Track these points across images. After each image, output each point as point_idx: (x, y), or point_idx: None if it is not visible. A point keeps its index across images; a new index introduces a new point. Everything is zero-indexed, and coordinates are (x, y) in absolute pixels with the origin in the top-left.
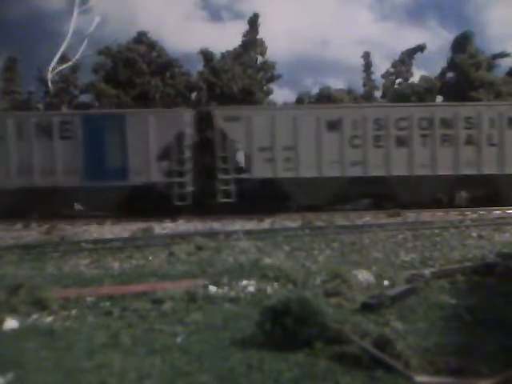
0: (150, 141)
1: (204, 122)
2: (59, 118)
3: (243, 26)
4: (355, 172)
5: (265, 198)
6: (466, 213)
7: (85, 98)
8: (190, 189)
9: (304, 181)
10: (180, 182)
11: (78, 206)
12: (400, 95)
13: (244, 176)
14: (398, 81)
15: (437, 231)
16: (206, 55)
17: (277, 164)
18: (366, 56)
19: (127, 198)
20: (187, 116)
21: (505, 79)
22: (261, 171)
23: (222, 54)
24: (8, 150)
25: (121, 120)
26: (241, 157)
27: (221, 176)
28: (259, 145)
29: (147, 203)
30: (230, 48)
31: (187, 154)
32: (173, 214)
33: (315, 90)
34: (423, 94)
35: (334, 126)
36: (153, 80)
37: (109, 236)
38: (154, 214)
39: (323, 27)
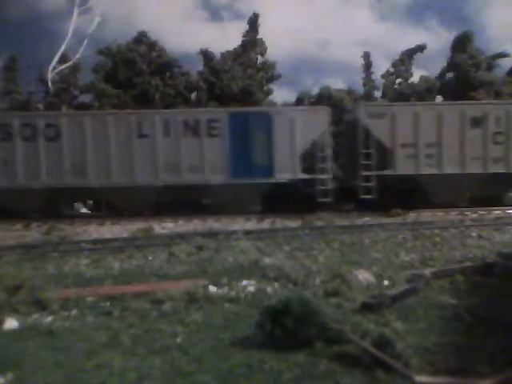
0: (295, 138)
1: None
2: (207, 115)
3: (243, 26)
4: (497, 168)
5: (404, 194)
6: (466, 213)
7: (85, 98)
8: (331, 186)
9: (445, 177)
10: (322, 179)
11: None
12: (400, 95)
13: (387, 172)
14: (398, 81)
15: (437, 231)
16: (206, 55)
17: (419, 160)
18: (366, 56)
19: (271, 194)
20: (329, 113)
21: (505, 79)
22: (403, 168)
23: (222, 54)
24: (155, 147)
25: (267, 117)
26: None
27: (363, 172)
28: (402, 141)
29: (291, 200)
30: (230, 48)
31: (329, 151)
32: (315, 210)
33: (315, 90)
34: (423, 93)
35: (477, 122)
36: (153, 80)
37: (109, 236)
38: (154, 214)
39: (323, 27)
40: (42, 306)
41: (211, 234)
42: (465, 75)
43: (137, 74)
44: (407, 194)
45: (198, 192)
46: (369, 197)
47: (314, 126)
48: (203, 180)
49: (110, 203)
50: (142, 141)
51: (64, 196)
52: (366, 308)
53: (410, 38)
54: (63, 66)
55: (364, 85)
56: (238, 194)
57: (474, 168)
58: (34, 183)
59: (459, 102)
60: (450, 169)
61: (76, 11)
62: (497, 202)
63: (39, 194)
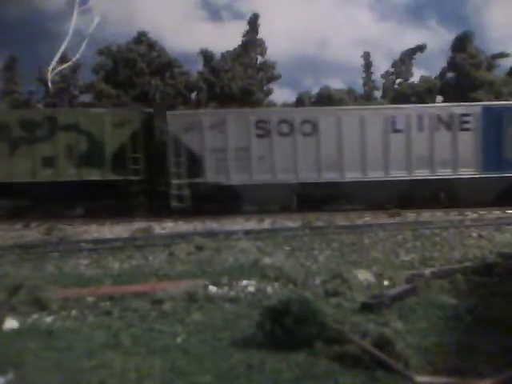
0: None
1: None
2: (460, 110)
3: (243, 26)
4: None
5: None
6: (466, 213)
7: (85, 97)
8: None
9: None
10: None
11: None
12: (400, 95)
13: None
14: (398, 81)
15: (437, 231)
16: (206, 55)
17: None
18: (366, 56)
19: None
20: None
21: (505, 79)
22: None
23: (222, 54)
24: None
25: None
26: None
27: None
28: None
29: None
30: (230, 48)
31: None
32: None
33: (315, 90)
34: (423, 93)
35: None
36: (153, 80)
37: (109, 236)
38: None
39: (323, 27)
40: (41, 306)
41: (211, 234)
42: (465, 75)
43: (137, 74)
44: None
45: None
46: None
47: None
48: (454, 174)
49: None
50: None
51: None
52: (366, 308)
53: (410, 38)
54: (63, 66)
55: (364, 85)
56: (487, 188)
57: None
58: (290, 178)
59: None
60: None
61: (76, 11)
62: None
63: (294, 189)
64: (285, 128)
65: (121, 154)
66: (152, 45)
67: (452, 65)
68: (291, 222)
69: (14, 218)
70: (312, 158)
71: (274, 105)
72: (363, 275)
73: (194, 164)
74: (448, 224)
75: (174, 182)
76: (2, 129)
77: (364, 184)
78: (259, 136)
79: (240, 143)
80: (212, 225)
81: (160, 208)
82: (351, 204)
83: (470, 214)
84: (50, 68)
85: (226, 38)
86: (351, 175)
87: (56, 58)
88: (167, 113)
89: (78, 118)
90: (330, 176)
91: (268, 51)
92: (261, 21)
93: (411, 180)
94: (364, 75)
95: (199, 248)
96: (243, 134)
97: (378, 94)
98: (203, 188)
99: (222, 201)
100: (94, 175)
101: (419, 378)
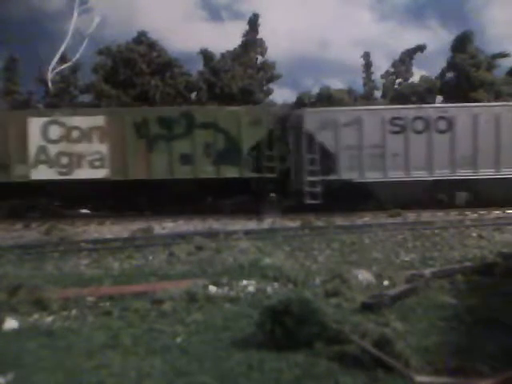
0: None
1: None
2: None
3: (243, 26)
4: None
5: None
6: (466, 213)
7: (85, 97)
8: None
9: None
10: None
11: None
12: (400, 95)
13: None
14: (398, 81)
15: (437, 231)
16: (206, 55)
17: None
18: (366, 56)
19: None
20: None
21: (505, 79)
22: None
23: (222, 54)
24: None
25: None
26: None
27: None
28: None
29: None
30: (230, 48)
31: None
32: None
33: (315, 90)
34: (423, 93)
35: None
36: (153, 80)
37: (109, 236)
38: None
39: (323, 27)
40: (42, 305)
41: (211, 234)
42: (465, 75)
43: (137, 74)
44: None
45: None
46: None
47: None
48: None
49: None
50: None
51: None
52: (366, 308)
53: (410, 38)
54: (63, 66)
55: (364, 85)
56: None
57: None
58: (424, 175)
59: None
60: None
61: (76, 11)
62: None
63: (427, 186)
64: (420, 125)
65: (256, 152)
66: (152, 45)
67: (452, 65)
68: (291, 222)
69: (14, 217)
70: (446, 155)
71: (274, 105)
72: (363, 275)
73: (327, 161)
74: (448, 224)
75: (308, 179)
76: (140, 126)
77: (497, 181)
78: (394, 133)
79: (374, 140)
80: (212, 224)
81: (290, 206)
82: (481, 201)
83: (470, 214)
84: (50, 68)
85: (226, 38)
86: (485, 172)
87: (56, 58)
88: (303, 110)
89: (215, 116)
90: (464, 173)
91: (268, 51)
92: (261, 21)
93: None
94: (364, 75)
95: (199, 248)
96: (378, 131)
97: (378, 94)
98: (335, 185)
99: (352, 198)
100: (232, 173)
101: (419, 378)
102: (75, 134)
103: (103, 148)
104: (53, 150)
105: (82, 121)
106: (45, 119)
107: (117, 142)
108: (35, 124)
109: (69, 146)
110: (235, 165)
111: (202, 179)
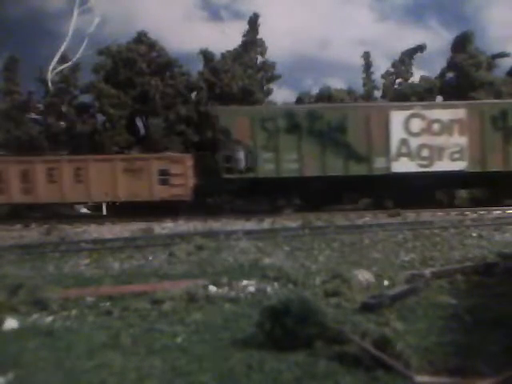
0: None
1: None
2: None
3: (243, 26)
4: None
5: None
6: (466, 213)
7: (85, 98)
8: None
9: None
10: None
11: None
12: (400, 95)
13: None
14: (398, 81)
15: (437, 231)
16: (206, 55)
17: None
18: (366, 56)
19: None
20: None
21: (505, 79)
22: None
23: (222, 54)
24: None
25: None
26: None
27: None
28: None
29: None
30: (230, 48)
31: None
32: None
33: (315, 90)
34: (423, 93)
35: None
36: (153, 80)
37: (109, 236)
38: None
39: (323, 27)
40: (42, 305)
41: (211, 234)
42: (465, 75)
43: (137, 74)
44: None
45: None
46: None
47: None
48: None
49: None
50: None
51: None
52: (366, 308)
53: (410, 37)
54: (63, 66)
55: (364, 85)
56: None
57: None
58: None
59: None
60: None
61: (76, 11)
62: None
63: None
64: None
65: None
66: (152, 45)
67: (452, 65)
68: (291, 222)
69: (15, 218)
70: None
71: (275, 105)
72: (363, 275)
73: None
74: (448, 224)
75: None
76: (497, 118)
77: None
78: None
79: None
80: (212, 225)
81: None
82: None
83: (470, 214)
84: (50, 68)
85: (226, 38)
86: None
87: (56, 58)
88: None
89: None
90: None
91: (268, 51)
92: (261, 21)
93: None
94: (364, 75)
95: (199, 248)
96: None
97: (377, 94)
98: None
99: None
100: None
101: (419, 378)
102: (436, 126)
103: (463, 140)
104: (414, 142)
105: (442, 114)
106: (407, 112)
107: (475, 134)
108: (397, 117)
109: (430, 138)
110: None
111: None
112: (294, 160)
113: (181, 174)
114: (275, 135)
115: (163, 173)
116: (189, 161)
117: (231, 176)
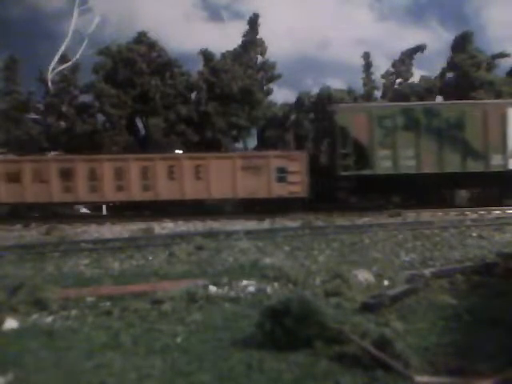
0: None
1: None
2: None
3: (243, 26)
4: None
5: None
6: (466, 213)
7: (85, 98)
8: None
9: None
10: None
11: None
12: (400, 95)
13: None
14: (398, 81)
15: (437, 231)
16: (206, 55)
17: None
18: (366, 56)
19: None
20: None
21: (505, 79)
22: None
23: (222, 54)
24: None
25: None
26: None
27: None
28: None
29: None
30: (230, 48)
31: None
32: None
33: (315, 90)
34: (423, 93)
35: None
36: (153, 80)
37: (109, 236)
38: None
39: (323, 27)
40: (42, 305)
41: (211, 234)
42: (465, 75)
43: (137, 74)
44: None
45: None
46: None
47: None
48: None
49: None
50: None
51: None
52: (366, 308)
53: (410, 37)
54: (63, 66)
55: (364, 85)
56: None
57: None
58: None
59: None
60: None
61: (76, 11)
62: None
63: None
64: None
65: None
66: (152, 45)
67: (452, 65)
68: (291, 222)
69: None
70: None
71: (275, 105)
72: (363, 275)
73: None
74: (448, 224)
75: None
76: None
77: None
78: None
79: None
80: (212, 224)
81: None
82: None
83: (470, 214)
84: (50, 68)
85: (226, 38)
86: None
87: (56, 58)
88: None
89: None
90: None
91: (268, 51)
92: (261, 21)
93: None
94: (364, 75)
95: (199, 248)
96: None
97: (377, 94)
98: None
99: None
100: None
101: (419, 378)
102: None
103: None
104: None
105: None
106: None
107: None
108: None
109: None
110: None
111: None
112: (411, 157)
113: (297, 171)
114: (392, 132)
115: (281, 170)
116: (304, 158)
117: (347, 173)
